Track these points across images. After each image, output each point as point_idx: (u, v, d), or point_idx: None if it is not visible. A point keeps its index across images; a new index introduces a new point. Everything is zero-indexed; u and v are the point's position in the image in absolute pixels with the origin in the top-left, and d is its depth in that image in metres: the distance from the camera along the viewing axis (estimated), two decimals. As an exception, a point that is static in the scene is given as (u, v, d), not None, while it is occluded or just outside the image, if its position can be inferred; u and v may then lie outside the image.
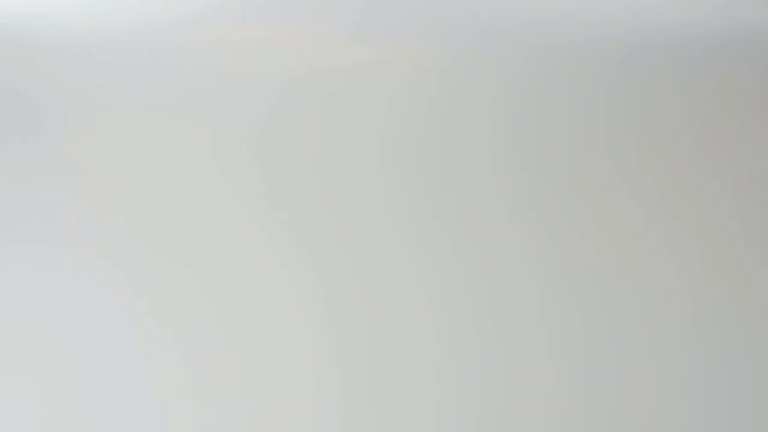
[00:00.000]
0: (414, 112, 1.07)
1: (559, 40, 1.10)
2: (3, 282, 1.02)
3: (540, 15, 1.11)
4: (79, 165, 1.06)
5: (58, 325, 1.01)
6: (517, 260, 1.04)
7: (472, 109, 1.07)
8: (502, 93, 1.07)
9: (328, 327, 1.03)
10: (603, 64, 1.10)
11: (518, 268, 1.04)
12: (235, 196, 1.06)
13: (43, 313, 1.01)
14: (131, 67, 1.09)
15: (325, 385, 1.02)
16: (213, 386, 1.01)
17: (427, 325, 1.03)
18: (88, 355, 1.01)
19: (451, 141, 1.06)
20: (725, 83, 1.10)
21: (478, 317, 1.03)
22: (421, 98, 1.07)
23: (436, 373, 1.02)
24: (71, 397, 1.00)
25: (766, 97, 1.10)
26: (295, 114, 1.08)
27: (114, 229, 1.04)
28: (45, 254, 1.03)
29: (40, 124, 1.07)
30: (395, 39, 1.08)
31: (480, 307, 1.04)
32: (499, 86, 1.07)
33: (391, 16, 1.09)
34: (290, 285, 1.03)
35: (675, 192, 1.07)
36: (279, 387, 1.02)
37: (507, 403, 1.03)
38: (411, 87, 1.07)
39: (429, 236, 1.04)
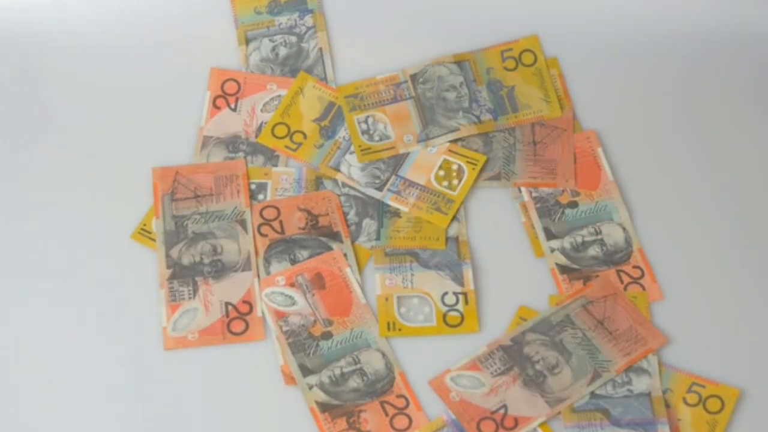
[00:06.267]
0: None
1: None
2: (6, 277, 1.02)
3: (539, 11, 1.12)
4: (80, 163, 1.06)
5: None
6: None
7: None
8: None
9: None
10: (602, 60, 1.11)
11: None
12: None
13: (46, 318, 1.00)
14: (133, 66, 1.09)
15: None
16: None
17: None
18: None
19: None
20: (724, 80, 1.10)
21: None
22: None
23: None
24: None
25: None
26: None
27: (115, 226, 1.03)
28: (45, 250, 1.02)
29: (44, 122, 1.07)
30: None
31: None
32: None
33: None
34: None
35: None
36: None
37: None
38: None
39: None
